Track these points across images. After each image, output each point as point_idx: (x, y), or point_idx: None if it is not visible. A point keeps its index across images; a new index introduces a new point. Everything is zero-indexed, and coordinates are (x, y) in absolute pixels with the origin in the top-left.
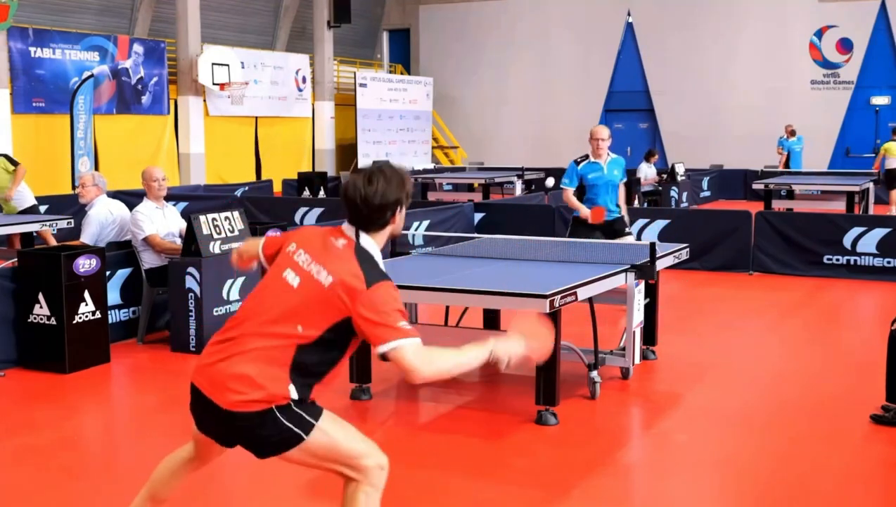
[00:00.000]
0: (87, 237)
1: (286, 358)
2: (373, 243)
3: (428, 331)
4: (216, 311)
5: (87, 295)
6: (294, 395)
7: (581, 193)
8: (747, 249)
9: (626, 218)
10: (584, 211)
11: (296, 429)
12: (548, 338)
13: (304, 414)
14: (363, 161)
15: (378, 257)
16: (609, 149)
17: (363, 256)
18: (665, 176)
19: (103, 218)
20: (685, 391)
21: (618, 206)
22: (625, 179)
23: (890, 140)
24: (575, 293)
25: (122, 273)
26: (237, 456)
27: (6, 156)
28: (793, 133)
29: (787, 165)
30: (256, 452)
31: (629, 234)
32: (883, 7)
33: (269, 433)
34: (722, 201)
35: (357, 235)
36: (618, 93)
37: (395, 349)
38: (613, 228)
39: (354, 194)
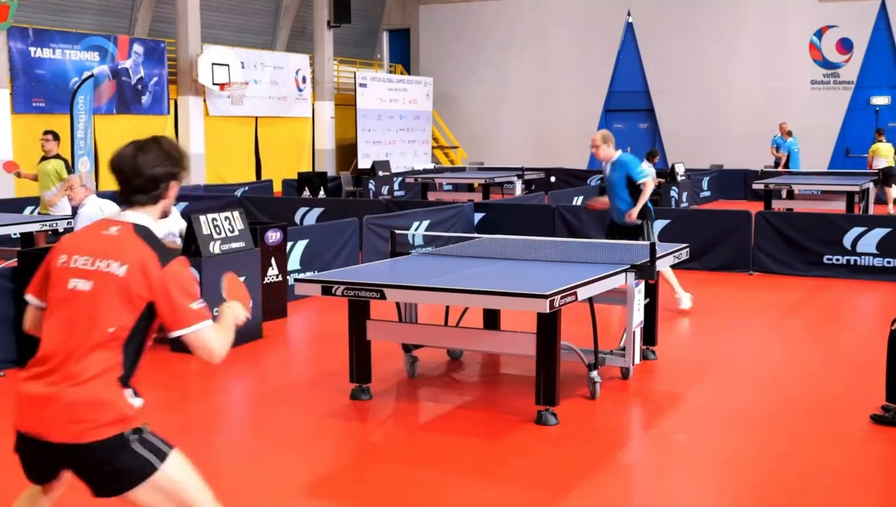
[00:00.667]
0: None
1: (113, 366)
2: (149, 220)
3: (428, 331)
4: (216, 311)
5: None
6: (135, 403)
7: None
8: (747, 250)
9: (647, 225)
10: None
11: (149, 456)
12: (244, 294)
13: (157, 442)
14: (363, 161)
15: (158, 232)
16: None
17: (146, 235)
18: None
19: (94, 215)
20: (685, 391)
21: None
22: (639, 179)
23: (876, 141)
24: (575, 293)
25: None
26: (237, 457)
27: (66, 162)
28: (790, 133)
29: (786, 165)
30: (101, 487)
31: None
32: (883, 7)
33: (120, 462)
34: (722, 201)
35: (132, 217)
36: (618, 93)
37: (198, 332)
38: (631, 233)
39: (121, 164)
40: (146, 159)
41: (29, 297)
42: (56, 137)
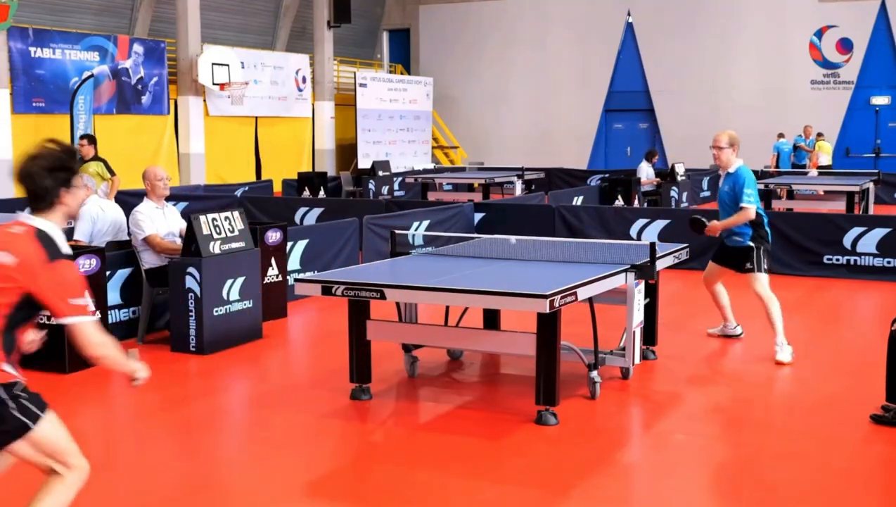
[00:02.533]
0: (80, 234)
1: None
2: (51, 225)
3: (428, 331)
4: (216, 311)
5: (86, 295)
6: (12, 371)
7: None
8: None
9: (757, 254)
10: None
11: (24, 418)
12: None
13: (30, 405)
14: (363, 161)
15: (58, 237)
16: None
17: (42, 237)
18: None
19: (94, 214)
20: (685, 391)
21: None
22: (743, 202)
23: (817, 141)
24: (575, 293)
25: (122, 273)
26: (237, 457)
27: (105, 162)
28: (819, 134)
29: (815, 163)
30: None
31: (749, 270)
32: (883, 7)
33: None
34: None
35: (36, 222)
36: (618, 93)
37: (79, 324)
38: (739, 259)
39: (21, 173)
40: (37, 168)
41: None
42: (91, 140)
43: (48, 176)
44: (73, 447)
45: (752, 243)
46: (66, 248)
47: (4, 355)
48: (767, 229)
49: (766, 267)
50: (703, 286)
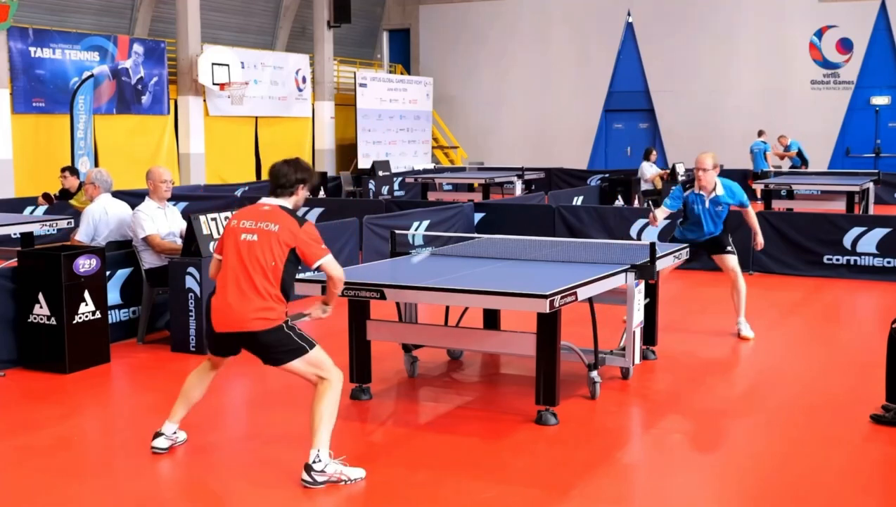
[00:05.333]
0: (81, 234)
1: (276, 287)
2: (288, 204)
3: (428, 331)
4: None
5: (87, 295)
6: (286, 314)
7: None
8: (747, 249)
9: (730, 237)
10: None
11: (302, 343)
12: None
13: (305, 335)
14: (363, 161)
15: (292, 209)
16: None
17: (287, 210)
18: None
19: (97, 216)
20: (685, 391)
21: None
22: (747, 205)
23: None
24: (575, 293)
25: (122, 273)
26: (237, 456)
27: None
28: (762, 133)
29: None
30: (270, 358)
31: (731, 252)
32: (883, 7)
33: (283, 343)
34: None
35: (277, 201)
36: (618, 93)
37: (325, 262)
38: (718, 244)
39: (276, 171)
40: (286, 170)
41: (216, 255)
42: (73, 171)
43: (298, 175)
44: (332, 363)
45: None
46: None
47: (285, 300)
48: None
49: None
50: (704, 286)
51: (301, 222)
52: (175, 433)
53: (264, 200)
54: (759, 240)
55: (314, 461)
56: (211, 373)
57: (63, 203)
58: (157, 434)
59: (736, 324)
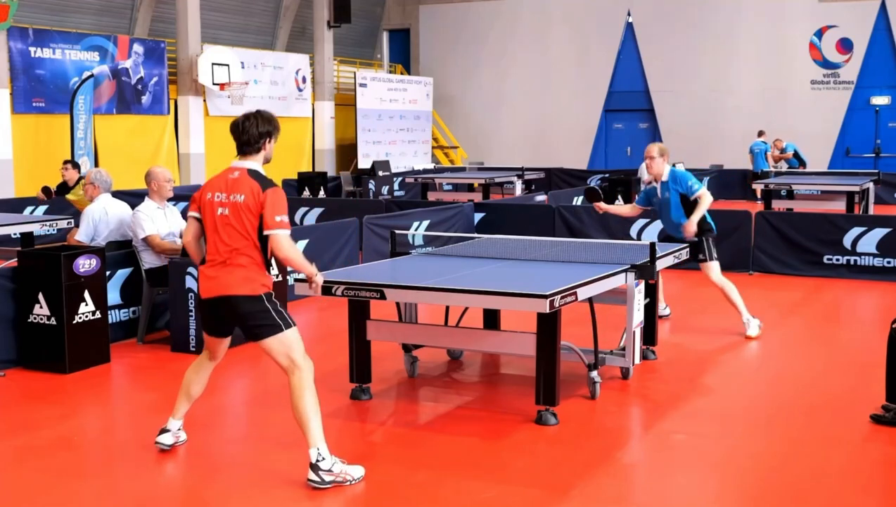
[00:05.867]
0: (81, 235)
1: (257, 256)
2: (256, 165)
3: (428, 331)
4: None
5: (87, 295)
6: (271, 284)
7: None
8: (747, 250)
9: (706, 241)
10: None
11: (278, 320)
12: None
13: (284, 313)
14: (363, 161)
15: (262, 171)
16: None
17: (254, 174)
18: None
19: (97, 216)
20: (685, 391)
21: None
22: (693, 194)
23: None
24: (575, 293)
25: (122, 273)
26: (237, 456)
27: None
28: (761, 133)
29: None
30: (247, 331)
31: (703, 260)
32: (883, 7)
33: (260, 316)
34: (722, 201)
35: (246, 164)
36: (618, 93)
37: (275, 235)
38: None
39: (238, 128)
40: (249, 125)
41: (193, 213)
42: (75, 165)
43: (262, 127)
44: (303, 351)
45: (699, 236)
46: (267, 177)
47: (266, 267)
48: (710, 220)
49: (715, 255)
50: (704, 286)
51: (265, 186)
52: (180, 429)
53: (234, 162)
54: (690, 229)
55: (319, 460)
56: (209, 365)
57: (60, 198)
58: (163, 430)
59: (743, 324)
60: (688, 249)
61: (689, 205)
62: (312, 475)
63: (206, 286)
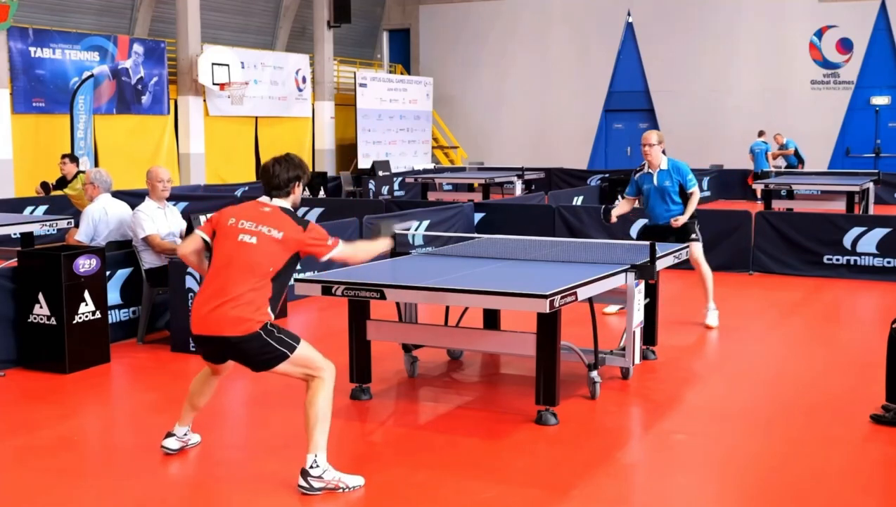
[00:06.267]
0: (81, 234)
1: (266, 291)
2: (286, 204)
3: (428, 331)
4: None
5: (87, 295)
6: (271, 317)
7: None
8: (747, 249)
9: (695, 225)
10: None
11: (281, 348)
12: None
13: (285, 337)
14: (363, 161)
15: (292, 210)
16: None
17: (288, 212)
18: None
19: (97, 216)
20: (685, 391)
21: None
22: (691, 188)
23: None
24: (575, 293)
25: (122, 273)
26: (237, 456)
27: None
28: (762, 133)
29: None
30: (253, 365)
31: (695, 239)
32: (883, 7)
33: (262, 350)
34: (722, 201)
35: (275, 202)
36: (618, 93)
37: (336, 254)
38: (676, 233)
39: (268, 172)
40: (280, 170)
41: (203, 236)
42: (73, 158)
43: (292, 173)
44: (320, 357)
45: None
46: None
47: (271, 309)
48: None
49: (699, 236)
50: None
51: (304, 225)
52: (186, 434)
53: (263, 199)
54: (682, 220)
55: (311, 467)
56: (213, 378)
57: (60, 196)
58: (169, 434)
59: (704, 309)
60: (687, 250)
61: (684, 196)
62: (301, 481)
63: (199, 322)
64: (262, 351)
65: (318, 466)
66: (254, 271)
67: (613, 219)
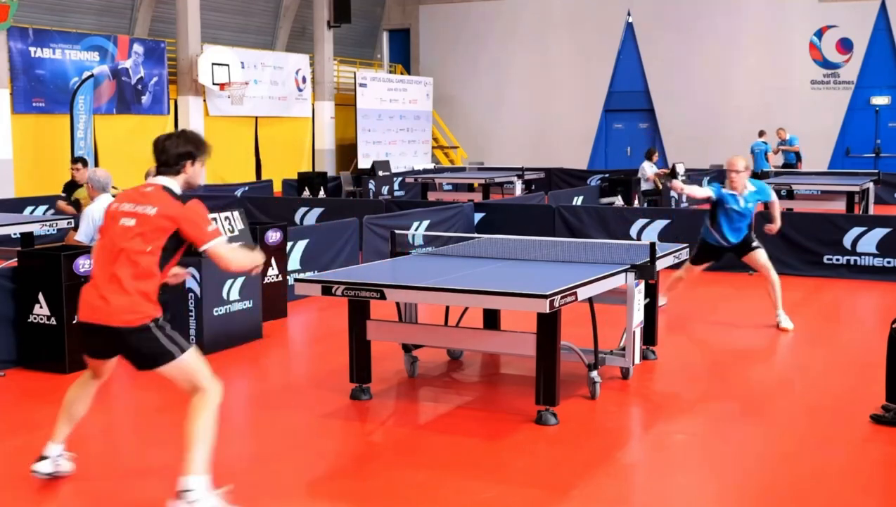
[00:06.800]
0: (80, 235)
1: (154, 280)
2: (174, 182)
3: (428, 331)
4: (216, 311)
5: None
6: (160, 311)
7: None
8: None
9: (754, 233)
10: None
11: (170, 347)
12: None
13: (176, 338)
14: (363, 161)
15: (178, 190)
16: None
17: (168, 190)
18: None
19: (97, 216)
20: (685, 391)
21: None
22: (773, 198)
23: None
24: (575, 293)
25: None
26: (237, 456)
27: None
28: (762, 133)
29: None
30: (140, 360)
31: (758, 247)
32: (883, 7)
33: (150, 345)
34: None
35: (160, 180)
36: (618, 93)
37: (213, 247)
38: (743, 246)
39: (158, 146)
40: (171, 144)
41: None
42: (85, 162)
43: (184, 147)
44: (209, 373)
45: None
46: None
47: (154, 295)
48: None
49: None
50: (703, 286)
51: (183, 201)
52: (60, 456)
53: (150, 179)
54: (774, 226)
55: (186, 491)
56: (92, 383)
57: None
58: (41, 457)
59: (775, 317)
60: (686, 249)
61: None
62: (176, 503)
63: (87, 309)
64: (151, 346)
65: (194, 490)
66: (132, 255)
67: (677, 187)
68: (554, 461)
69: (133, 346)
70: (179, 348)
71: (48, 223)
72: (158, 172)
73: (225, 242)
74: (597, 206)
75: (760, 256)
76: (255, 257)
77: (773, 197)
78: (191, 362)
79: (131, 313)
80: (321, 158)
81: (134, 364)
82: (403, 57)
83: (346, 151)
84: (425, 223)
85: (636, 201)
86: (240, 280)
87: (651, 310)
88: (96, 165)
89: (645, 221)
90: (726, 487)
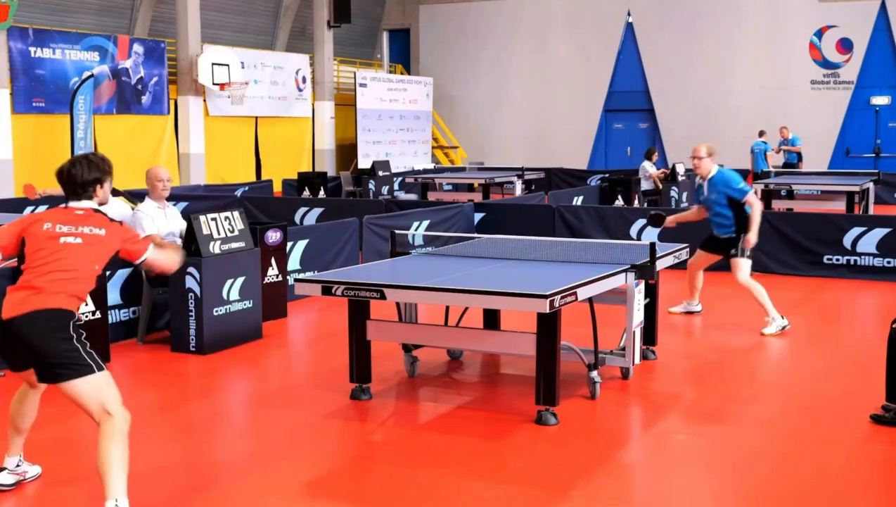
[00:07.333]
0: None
1: (88, 289)
2: (94, 205)
3: (428, 331)
4: (216, 311)
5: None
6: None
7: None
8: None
9: (742, 241)
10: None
11: (86, 362)
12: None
13: (94, 355)
14: (363, 161)
15: (107, 211)
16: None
17: (100, 211)
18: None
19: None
20: (685, 391)
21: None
22: (743, 197)
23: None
24: (575, 293)
25: (122, 273)
26: (237, 456)
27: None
28: (762, 133)
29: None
30: (49, 369)
31: (734, 256)
32: (883, 7)
33: (66, 354)
34: None
35: (84, 204)
36: (618, 93)
37: (150, 257)
38: (722, 245)
39: (64, 175)
40: (77, 172)
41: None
42: None
43: (92, 174)
44: (120, 401)
45: (738, 234)
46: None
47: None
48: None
49: (748, 253)
50: (704, 286)
51: (119, 224)
52: (19, 465)
53: (72, 203)
54: (749, 238)
55: None
56: (34, 393)
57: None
58: (0, 469)
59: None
60: (686, 249)
61: (736, 206)
62: None
63: (11, 307)
64: (67, 355)
65: None
66: (82, 271)
67: (671, 222)
68: (554, 461)
69: (48, 351)
70: (96, 365)
71: None
72: (76, 197)
73: (152, 247)
74: (597, 206)
75: (737, 267)
76: (180, 254)
77: (750, 198)
78: (103, 384)
79: (58, 314)
80: (321, 158)
81: (42, 374)
82: (403, 57)
83: (346, 151)
84: (425, 223)
85: (636, 201)
86: (240, 280)
87: (651, 310)
88: None
89: (645, 221)
90: (726, 487)
